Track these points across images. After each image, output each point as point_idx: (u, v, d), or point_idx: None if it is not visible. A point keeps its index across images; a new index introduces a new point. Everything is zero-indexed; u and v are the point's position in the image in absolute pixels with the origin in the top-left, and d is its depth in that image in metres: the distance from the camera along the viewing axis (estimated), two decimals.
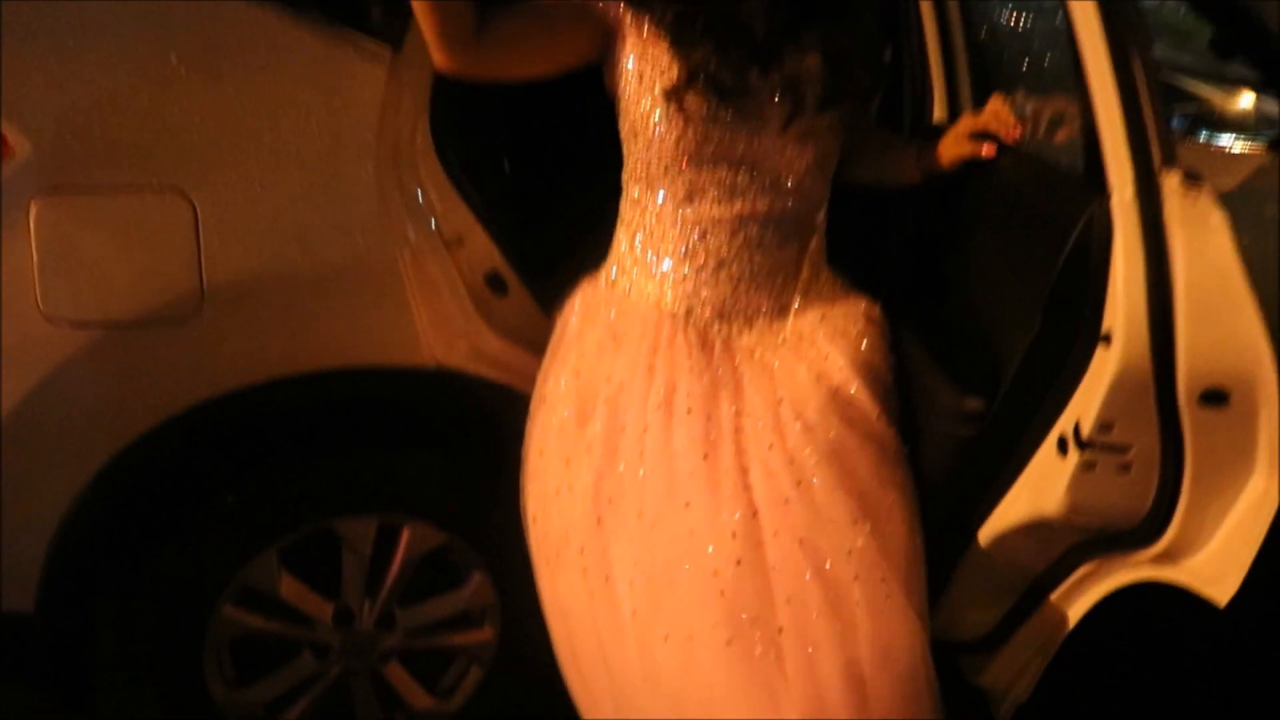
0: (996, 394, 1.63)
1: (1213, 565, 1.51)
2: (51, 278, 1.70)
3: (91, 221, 1.71)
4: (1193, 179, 1.35)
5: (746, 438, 1.65)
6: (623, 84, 1.68)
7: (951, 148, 1.82)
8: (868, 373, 1.73)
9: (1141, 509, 1.51)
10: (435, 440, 2.03)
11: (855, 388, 1.70)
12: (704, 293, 1.72)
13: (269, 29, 1.73)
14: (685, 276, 1.72)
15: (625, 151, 1.74)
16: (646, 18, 1.64)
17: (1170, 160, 1.35)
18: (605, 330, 1.76)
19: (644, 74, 1.64)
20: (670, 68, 1.62)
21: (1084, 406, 1.44)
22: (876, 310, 1.84)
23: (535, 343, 1.87)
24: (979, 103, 2.21)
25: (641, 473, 1.65)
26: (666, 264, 1.73)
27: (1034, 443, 1.55)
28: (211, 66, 1.72)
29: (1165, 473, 1.45)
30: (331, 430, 1.98)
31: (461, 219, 1.87)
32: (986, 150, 1.77)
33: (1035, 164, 1.75)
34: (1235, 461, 1.41)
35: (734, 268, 1.72)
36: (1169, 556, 1.56)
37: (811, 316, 1.77)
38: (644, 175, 1.71)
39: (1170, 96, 3.56)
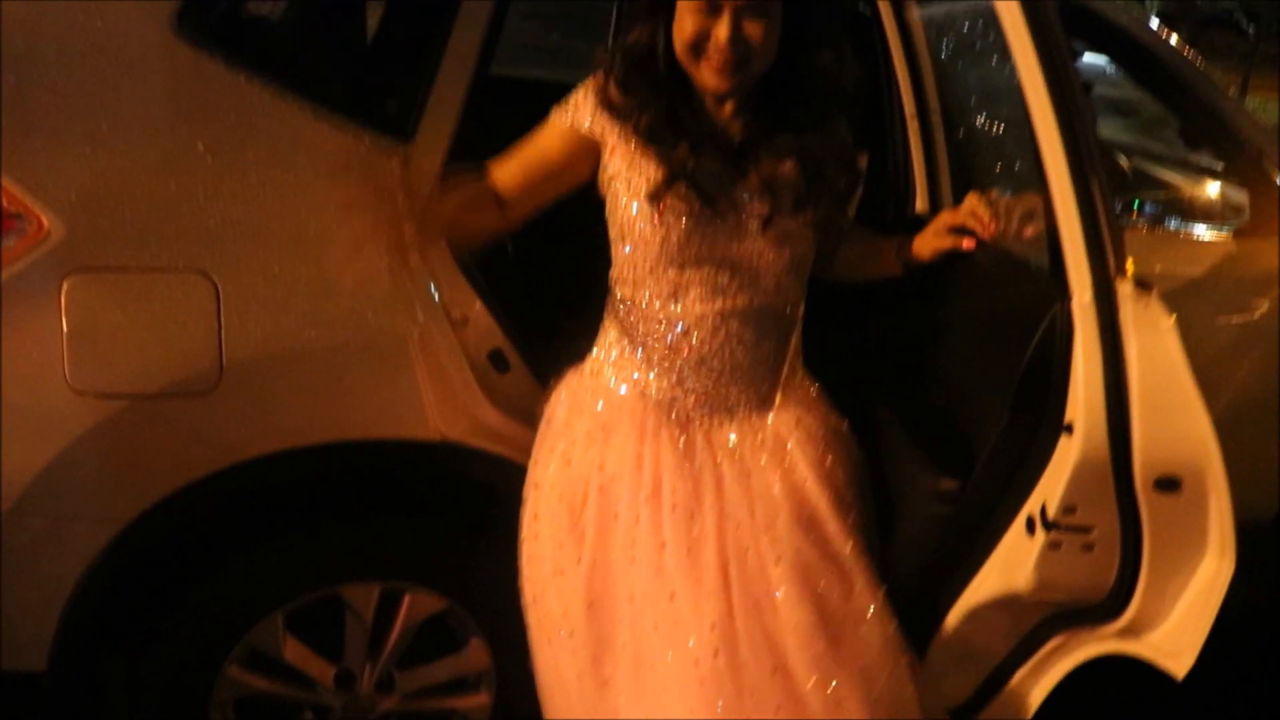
0: (970, 475, 1.74)
1: (1171, 640, 1.60)
2: (79, 351, 1.78)
3: (119, 299, 1.80)
4: (1143, 286, 1.47)
5: (726, 538, 1.75)
6: (610, 190, 1.78)
7: (931, 241, 1.92)
8: (831, 489, 1.81)
9: (1105, 586, 1.61)
10: (438, 510, 2.11)
11: (821, 505, 1.79)
12: (687, 384, 1.81)
13: (290, 121, 1.84)
14: (669, 369, 1.81)
15: (613, 253, 1.83)
16: (629, 125, 1.74)
17: (1123, 268, 1.47)
18: (593, 421, 1.85)
19: (630, 180, 1.73)
20: (655, 173, 1.71)
21: (1049, 490, 1.54)
22: (844, 425, 1.93)
23: (534, 418, 1.96)
24: (957, 198, 2.33)
25: (632, 562, 1.74)
26: (653, 358, 1.81)
27: (1005, 522, 1.65)
28: (236, 155, 1.82)
29: (1126, 553, 1.55)
30: (339, 498, 2.06)
31: (467, 300, 1.97)
32: (966, 244, 1.87)
33: (1008, 260, 1.87)
34: (1190, 543, 1.51)
35: (715, 361, 1.80)
36: (1132, 631, 1.66)
37: (788, 419, 1.85)
38: (630, 275, 1.80)
39: (1142, 184, 3.68)
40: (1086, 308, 1.48)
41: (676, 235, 1.72)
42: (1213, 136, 2.84)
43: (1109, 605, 1.61)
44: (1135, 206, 3.52)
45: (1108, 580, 1.59)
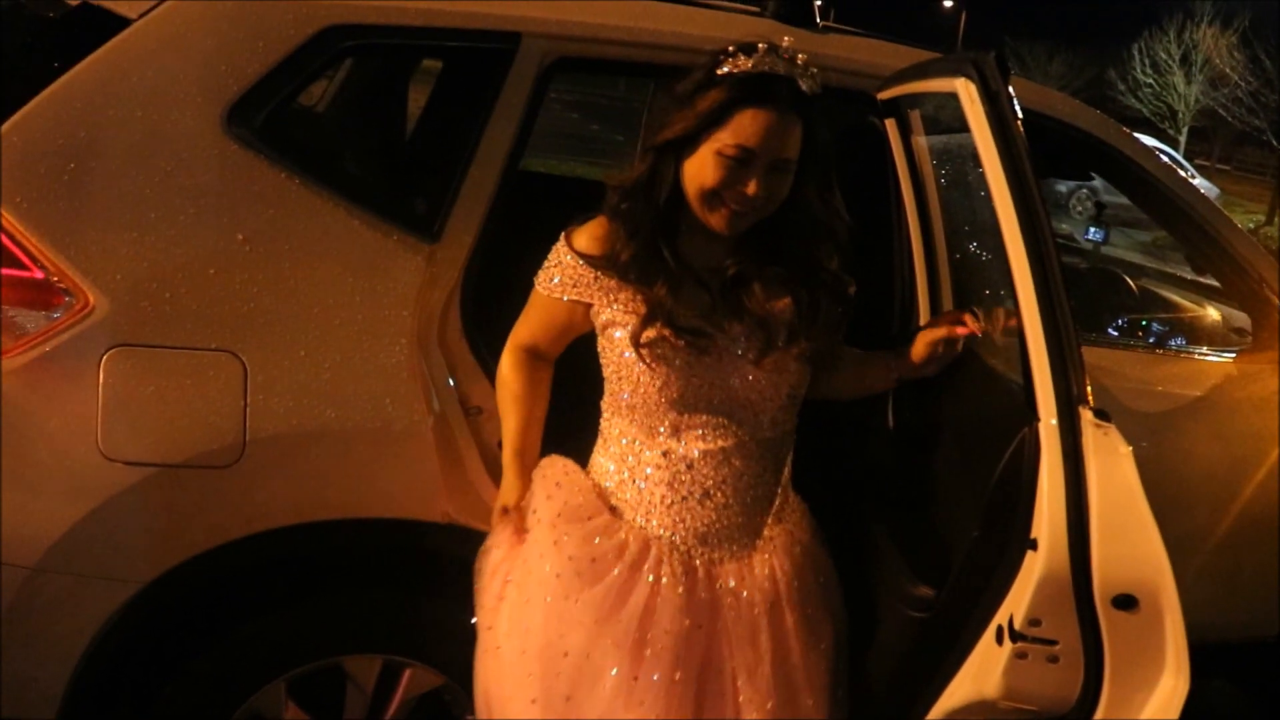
0: (945, 583, 1.81)
1: None
2: (113, 420, 1.89)
3: (154, 374, 1.91)
4: (1102, 415, 1.56)
5: (708, 682, 1.77)
6: (604, 335, 1.81)
7: (926, 336, 1.96)
8: (810, 636, 1.85)
9: (1071, 698, 1.66)
10: (442, 589, 2.19)
11: (796, 654, 1.82)
12: (689, 520, 1.81)
13: (326, 217, 1.98)
14: (672, 505, 1.81)
15: (608, 388, 1.85)
16: (612, 267, 1.76)
17: (1083, 398, 1.56)
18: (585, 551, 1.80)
19: (625, 324, 1.76)
20: (639, 313, 1.74)
21: (1016, 602, 1.61)
22: (828, 559, 1.95)
23: None
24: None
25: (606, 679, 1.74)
26: (655, 494, 1.81)
27: (976, 631, 1.71)
28: (273, 246, 1.96)
29: (1089, 667, 1.61)
30: (348, 572, 2.15)
31: (483, 391, 2.07)
32: (960, 330, 1.91)
33: (993, 379, 1.96)
34: (1148, 661, 1.56)
35: (719, 496, 1.81)
36: None
37: (781, 558, 1.85)
38: (628, 413, 1.82)
39: (1149, 304, 3.77)
40: (1051, 431, 1.57)
41: (674, 378, 1.75)
42: (1216, 262, 2.92)
43: (1075, 717, 1.66)
44: (1143, 327, 3.62)
45: (1074, 692, 1.65)
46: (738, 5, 2.61)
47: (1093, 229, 7.23)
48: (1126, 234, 12.82)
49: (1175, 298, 3.84)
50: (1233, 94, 30.29)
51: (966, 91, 1.72)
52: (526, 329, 1.92)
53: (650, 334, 1.73)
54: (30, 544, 1.90)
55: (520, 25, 2.13)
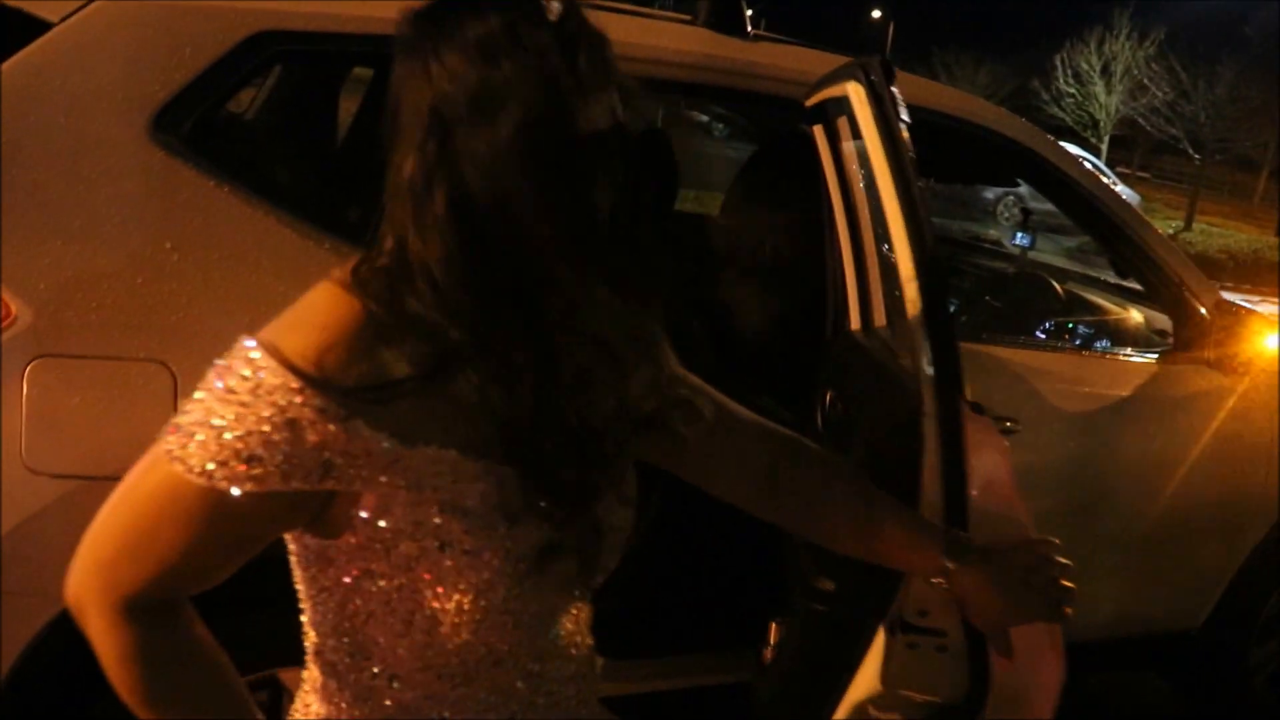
0: (846, 576, 1.86)
1: None
2: (38, 432, 1.86)
3: (80, 385, 1.89)
4: (977, 407, 1.63)
5: None
6: (358, 555, 1.05)
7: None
8: None
9: (962, 686, 1.73)
10: None
11: None
12: None
13: (256, 226, 1.97)
14: None
15: (342, 628, 1.13)
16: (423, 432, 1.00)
17: (962, 391, 1.63)
18: None
19: (436, 523, 1.02)
20: (495, 489, 1.03)
21: (905, 595, 1.68)
22: None
23: None
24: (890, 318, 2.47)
25: None
26: None
27: (874, 623, 1.77)
28: (202, 255, 1.94)
29: (974, 655, 1.67)
30: (282, 582, 2.15)
31: None
32: None
33: (886, 373, 2.01)
34: (1030, 648, 1.63)
35: None
36: None
37: None
38: (420, 672, 1.10)
39: (1075, 307, 3.85)
40: (931, 424, 1.64)
41: (524, 580, 1.06)
42: (1139, 266, 3.02)
43: (967, 706, 1.72)
44: (1069, 329, 3.70)
45: (964, 680, 1.71)
46: (670, 13, 2.66)
47: (1020, 234, 7.38)
48: (1052, 239, 13.13)
49: (1100, 300, 3.91)
50: (1150, 104, 31.01)
51: (856, 95, 1.76)
52: (152, 561, 1.01)
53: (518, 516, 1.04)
54: None
55: None
